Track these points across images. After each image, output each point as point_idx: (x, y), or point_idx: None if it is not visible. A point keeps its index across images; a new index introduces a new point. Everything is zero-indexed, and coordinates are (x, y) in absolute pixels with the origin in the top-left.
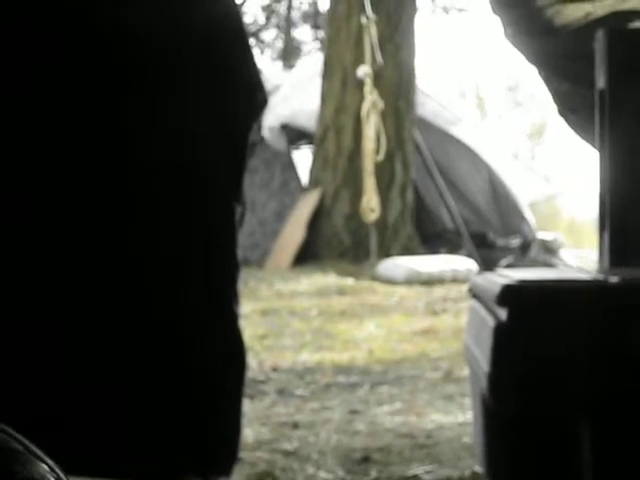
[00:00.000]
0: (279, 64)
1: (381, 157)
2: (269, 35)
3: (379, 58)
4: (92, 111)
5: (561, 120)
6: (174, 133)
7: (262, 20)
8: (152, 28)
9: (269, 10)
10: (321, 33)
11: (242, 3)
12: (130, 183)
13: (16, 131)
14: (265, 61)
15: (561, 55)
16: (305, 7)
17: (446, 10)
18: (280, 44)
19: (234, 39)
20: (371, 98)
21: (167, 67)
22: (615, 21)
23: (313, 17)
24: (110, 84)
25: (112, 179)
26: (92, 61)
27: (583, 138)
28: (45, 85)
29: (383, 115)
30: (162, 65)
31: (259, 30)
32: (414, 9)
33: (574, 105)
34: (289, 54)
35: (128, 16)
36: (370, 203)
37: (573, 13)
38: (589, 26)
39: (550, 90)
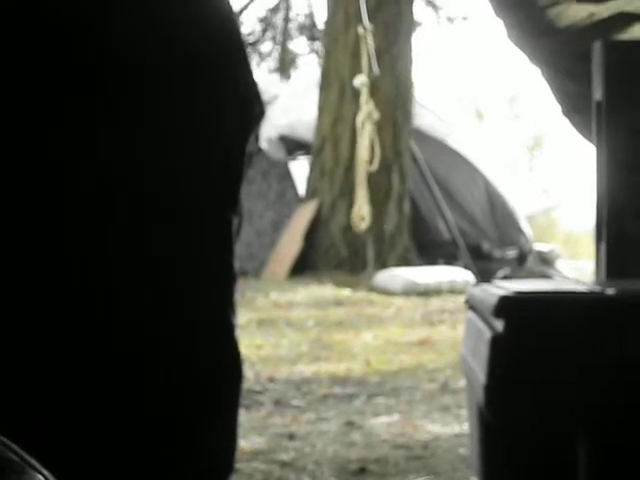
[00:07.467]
0: (275, 75)
1: (375, 167)
2: (265, 47)
3: (375, 68)
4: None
5: (564, 122)
6: (166, 143)
7: (259, 31)
8: (137, 38)
9: (266, 21)
10: (317, 45)
11: (239, 13)
12: (120, 192)
13: None
14: (262, 72)
15: (566, 55)
16: (301, 19)
17: (451, 20)
18: (276, 55)
19: (230, 49)
20: (367, 108)
21: (157, 78)
22: (620, 22)
23: (309, 29)
24: (94, 93)
25: (100, 188)
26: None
27: (587, 139)
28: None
29: (379, 125)
30: (151, 76)
31: (256, 41)
32: (412, 20)
33: (579, 106)
34: (285, 65)
35: (111, 28)
36: (361, 212)
37: (577, 14)
38: (594, 26)
39: (554, 91)
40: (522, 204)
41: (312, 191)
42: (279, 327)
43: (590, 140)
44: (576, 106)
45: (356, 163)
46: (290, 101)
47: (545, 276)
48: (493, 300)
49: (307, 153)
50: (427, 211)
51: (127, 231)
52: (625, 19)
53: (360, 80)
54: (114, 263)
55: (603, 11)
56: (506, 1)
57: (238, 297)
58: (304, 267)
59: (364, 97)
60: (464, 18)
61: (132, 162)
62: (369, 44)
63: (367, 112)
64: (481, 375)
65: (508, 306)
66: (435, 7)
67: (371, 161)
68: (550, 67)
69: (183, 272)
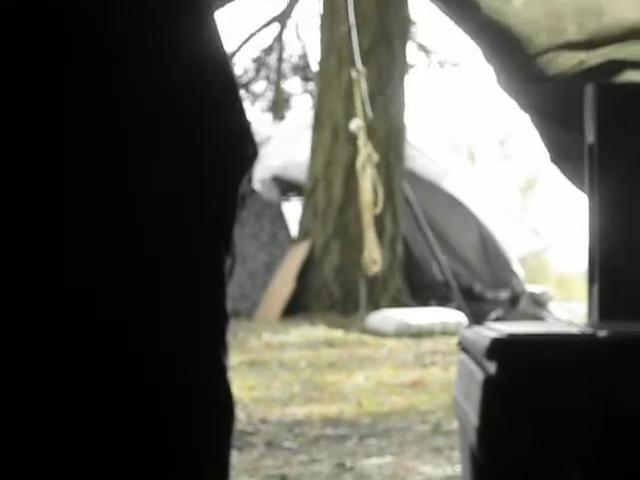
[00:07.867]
0: (269, 115)
1: (378, 210)
2: (259, 87)
3: (369, 112)
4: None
5: (553, 168)
6: (159, 184)
7: (252, 70)
8: (135, 80)
9: (259, 61)
10: (311, 85)
11: (233, 54)
12: (117, 235)
13: None
14: (255, 112)
15: (555, 102)
16: (295, 59)
17: (441, 64)
18: (270, 96)
19: (224, 90)
20: (366, 151)
21: (149, 118)
22: (610, 70)
23: (303, 69)
24: (90, 139)
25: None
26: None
27: (576, 186)
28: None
29: (377, 168)
30: (144, 117)
31: (250, 81)
32: (405, 63)
33: (567, 153)
34: (279, 106)
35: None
36: (372, 255)
37: (567, 61)
38: (584, 74)
39: (543, 138)
40: (514, 246)
41: (305, 232)
42: (271, 368)
43: (579, 187)
44: (565, 153)
45: (359, 206)
46: (283, 142)
47: (538, 318)
48: (485, 342)
49: (300, 194)
50: (420, 253)
51: (120, 268)
52: (615, 66)
53: (356, 124)
54: (118, 308)
55: (593, 58)
56: (496, 47)
57: (230, 338)
58: (296, 308)
59: (362, 140)
60: (454, 64)
61: (135, 209)
62: (362, 87)
63: (366, 155)
64: (473, 417)
65: (500, 348)
66: (427, 51)
67: (375, 203)
68: (539, 114)
69: (174, 312)
